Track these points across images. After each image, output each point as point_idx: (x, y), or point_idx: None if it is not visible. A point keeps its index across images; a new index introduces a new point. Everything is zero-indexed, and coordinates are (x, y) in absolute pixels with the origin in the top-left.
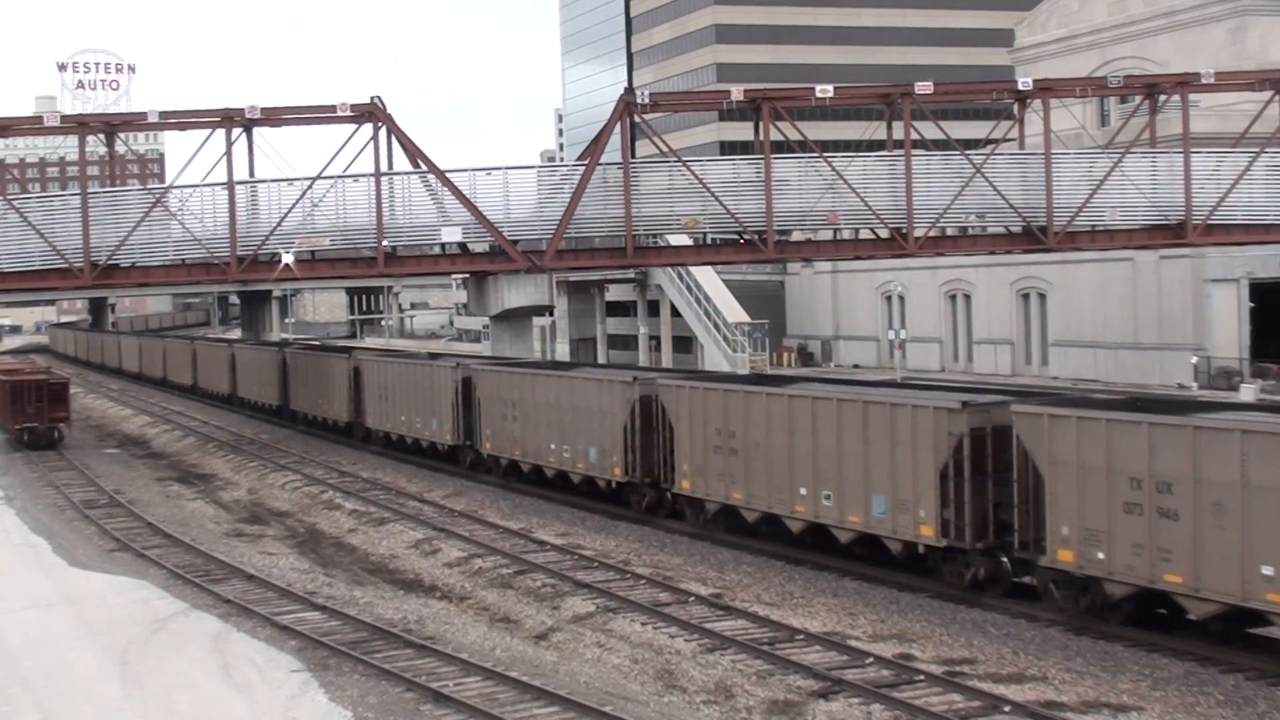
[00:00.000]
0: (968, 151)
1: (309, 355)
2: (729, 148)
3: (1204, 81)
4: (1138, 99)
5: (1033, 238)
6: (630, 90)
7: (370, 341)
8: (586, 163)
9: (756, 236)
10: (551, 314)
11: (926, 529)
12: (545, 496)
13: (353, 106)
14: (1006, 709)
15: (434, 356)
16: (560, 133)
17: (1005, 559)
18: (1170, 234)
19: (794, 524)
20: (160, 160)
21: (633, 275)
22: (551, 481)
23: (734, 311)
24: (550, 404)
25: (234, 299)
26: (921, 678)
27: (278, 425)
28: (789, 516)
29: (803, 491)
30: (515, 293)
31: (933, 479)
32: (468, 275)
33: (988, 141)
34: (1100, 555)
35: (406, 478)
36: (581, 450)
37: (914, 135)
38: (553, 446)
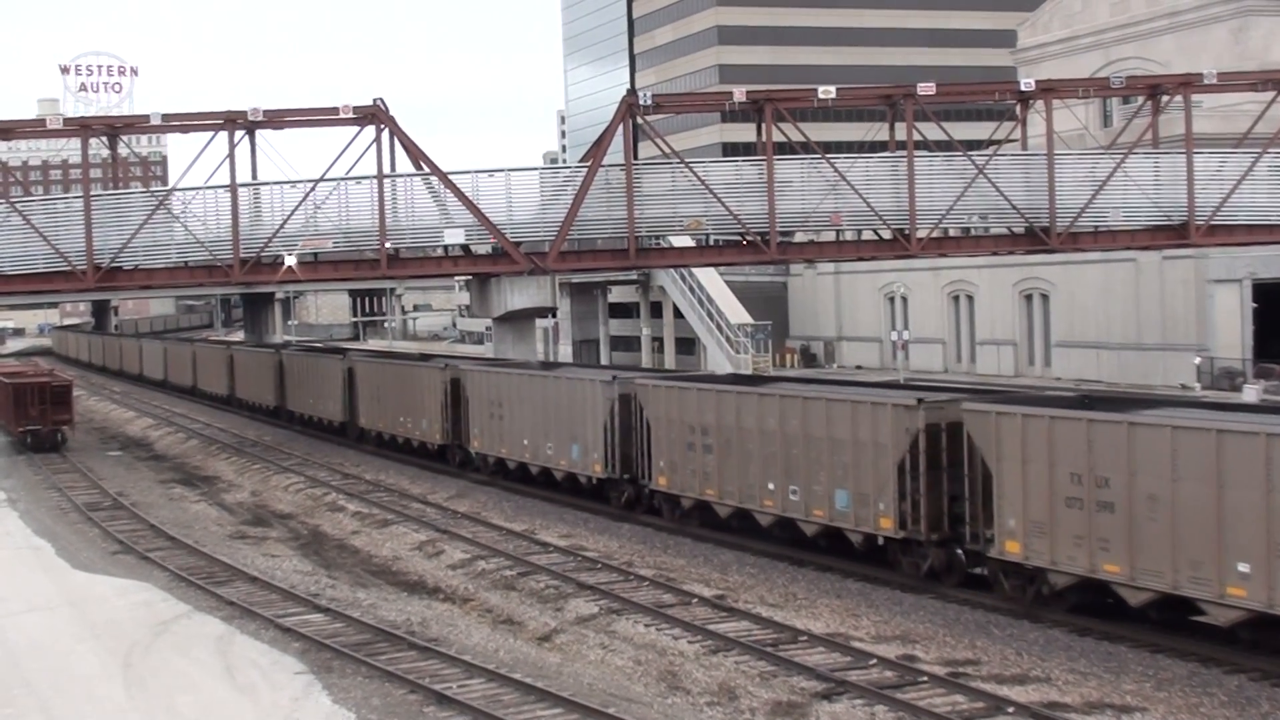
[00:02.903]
0: (970, 152)
1: (384, 365)
2: (731, 149)
3: (1206, 82)
4: (1140, 100)
5: (1035, 238)
6: (633, 92)
7: (373, 343)
8: (589, 164)
9: (759, 238)
10: (554, 316)
11: None
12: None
13: (355, 108)
14: (1010, 710)
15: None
16: (563, 134)
17: None
18: (1173, 235)
19: None
20: (163, 163)
21: (635, 277)
22: (766, 531)
23: (737, 313)
24: (770, 432)
25: (236, 301)
26: (925, 679)
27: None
28: None
29: None
30: (518, 294)
31: None
32: (470, 277)
33: (990, 142)
34: None
35: (410, 479)
36: (823, 493)
37: (916, 136)
38: (771, 487)
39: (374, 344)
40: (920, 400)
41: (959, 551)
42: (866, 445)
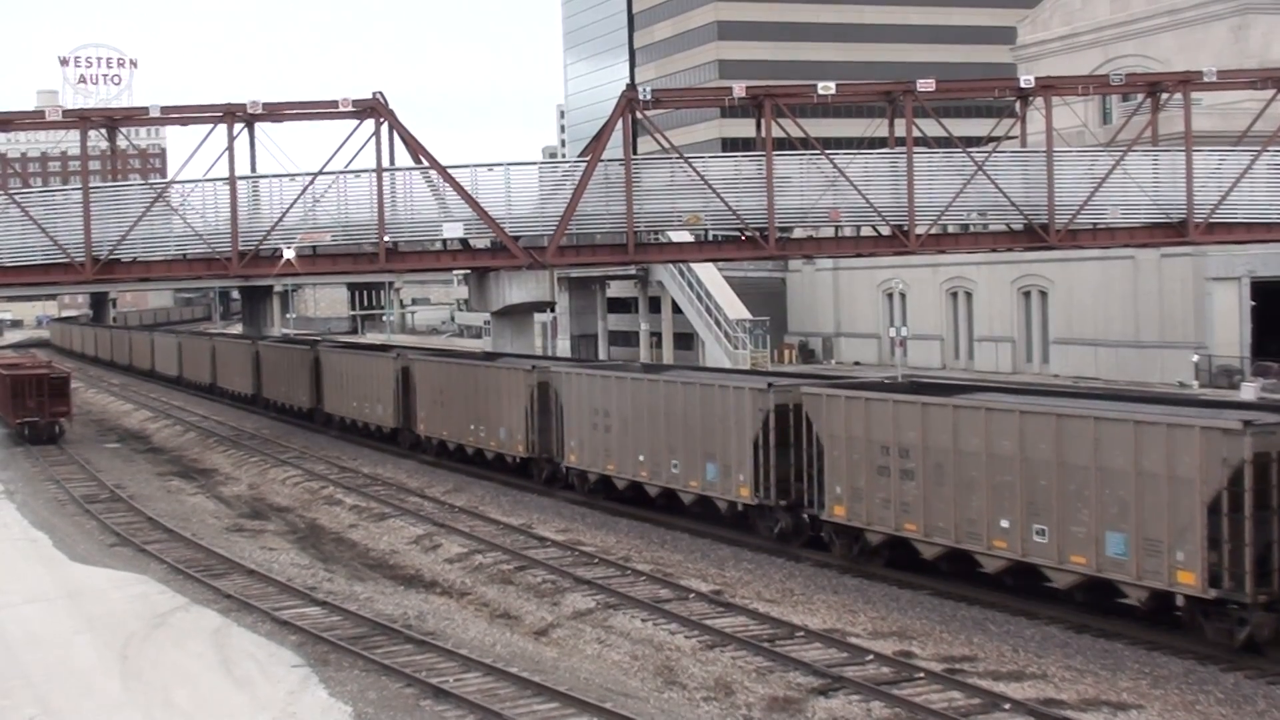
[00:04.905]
0: (969, 149)
1: (449, 365)
2: (731, 144)
3: (1206, 80)
4: (1140, 97)
5: (1034, 235)
6: (632, 86)
7: (371, 337)
8: (588, 159)
9: (758, 233)
10: (552, 310)
11: None
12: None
13: (354, 102)
14: (1006, 707)
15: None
16: (562, 129)
17: None
18: (1172, 232)
19: None
20: (162, 155)
21: (634, 272)
22: (994, 578)
23: (735, 308)
24: (1005, 457)
25: (235, 294)
26: (921, 675)
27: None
28: None
29: None
30: (516, 289)
31: None
32: (469, 271)
33: (990, 139)
34: None
35: (408, 473)
36: (1086, 537)
37: (916, 133)
38: (1005, 525)
39: (372, 337)
40: (1248, 423)
41: (1248, 609)
42: (1157, 478)
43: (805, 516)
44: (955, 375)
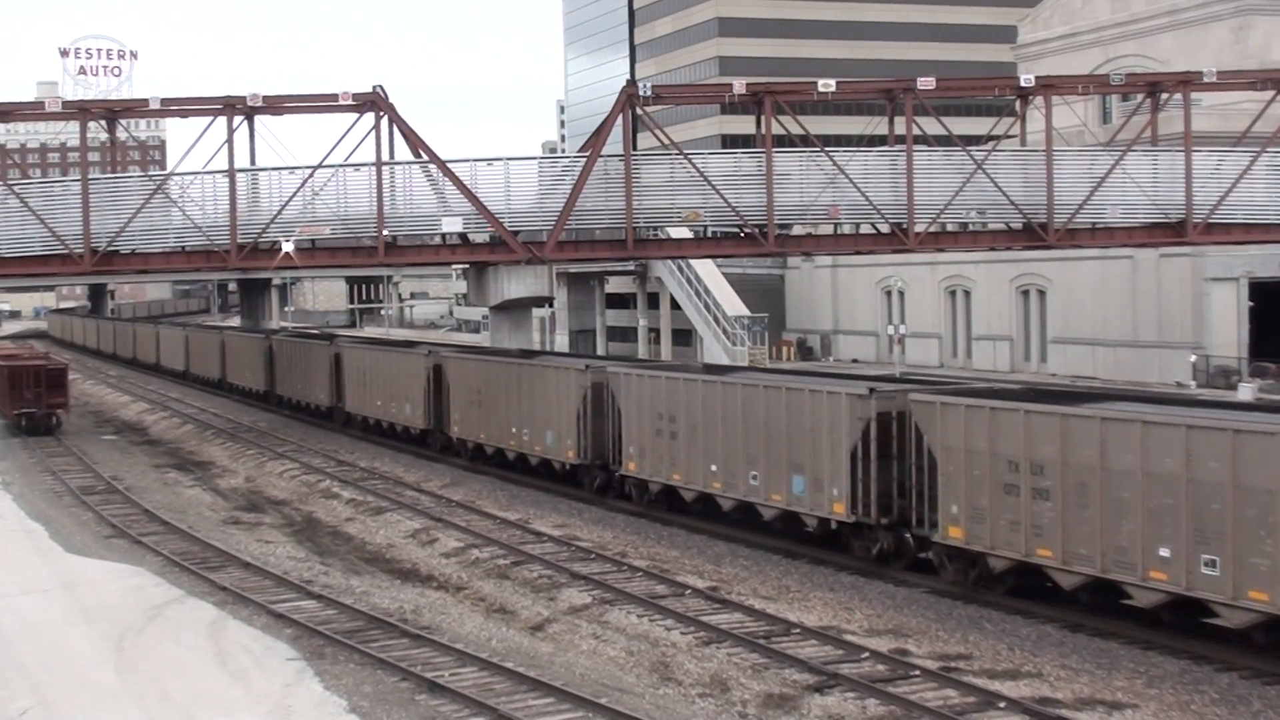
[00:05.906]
0: (969, 148)
1: (488, 364)
2: (731, 141)
3: (1206, 80)
4: (1139, 97)
5: (1033, 234)
6: (632, 82)
7: (369, 331)
8: (588, 154)
9: (757, 230)
10: (551, 305)
11: None
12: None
13: (354, 95)
14: (1002, 705)
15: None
16: (562, 124)
17: None
18: (1170, 232)
19: None
20: (162, 147)
21: (633, 268)
22: (1148, 612)
23: (734, 305)
24: (1166, 476)
25: (233, 287)
26: (917, 673)
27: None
28: None
29: None
30: (515, 284)
31: None
32: (468, 265)
33: (989, 138)
34: None
35: (405, 467)
36: (1268, 571)
37: (916, 131)
38: (1165, 554)
39: (370, 331)
40: None
41: None
42: None
43: (909, 537)
44: (954, 374)
